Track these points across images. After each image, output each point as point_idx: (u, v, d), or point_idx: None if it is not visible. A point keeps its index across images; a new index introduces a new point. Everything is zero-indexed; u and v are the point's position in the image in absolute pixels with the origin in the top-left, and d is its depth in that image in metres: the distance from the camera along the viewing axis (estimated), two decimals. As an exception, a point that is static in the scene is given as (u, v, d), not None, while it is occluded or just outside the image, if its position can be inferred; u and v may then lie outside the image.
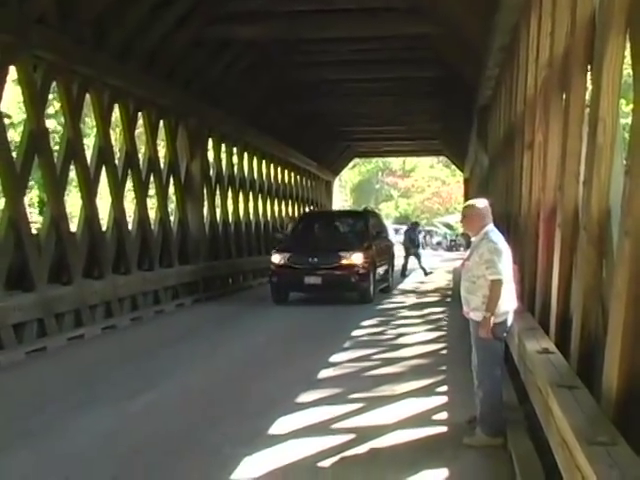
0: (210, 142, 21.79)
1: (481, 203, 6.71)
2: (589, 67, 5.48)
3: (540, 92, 7.62)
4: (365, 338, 12.60)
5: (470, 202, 6.96)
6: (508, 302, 6.45)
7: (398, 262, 23.31)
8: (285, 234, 21.35)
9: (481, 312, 6.35)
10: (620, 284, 3.89)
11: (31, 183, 23.62)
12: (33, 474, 6.01)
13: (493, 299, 6.28)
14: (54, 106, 25.21)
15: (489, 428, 6.39)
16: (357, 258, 16.91)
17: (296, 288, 17.28)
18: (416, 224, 29.72)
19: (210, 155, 22.03)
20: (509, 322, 6.52)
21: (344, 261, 16.79)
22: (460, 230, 52.09)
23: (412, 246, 26.62)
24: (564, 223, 5.82)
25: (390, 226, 53.51)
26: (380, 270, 18.40)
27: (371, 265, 17.18)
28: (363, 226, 19.14)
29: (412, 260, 26.17)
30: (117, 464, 6.15)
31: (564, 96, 6.35)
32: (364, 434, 6.77)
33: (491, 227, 6.54)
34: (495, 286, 6.27)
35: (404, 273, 25.87)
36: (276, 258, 17.33)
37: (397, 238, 28.69)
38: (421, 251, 27.08)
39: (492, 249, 6.33)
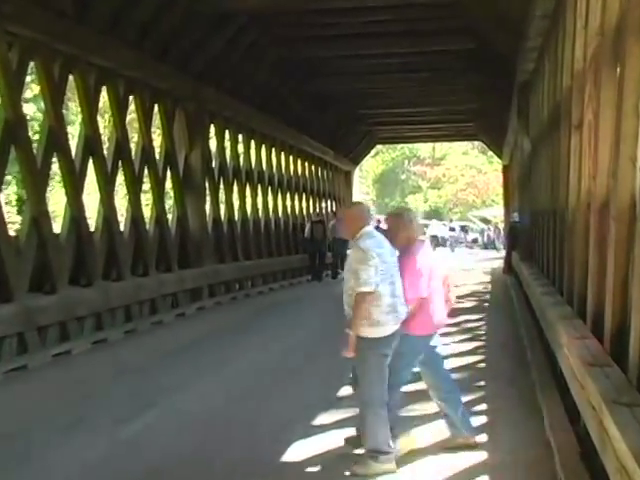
0: (212, 129, 21.81)
1: (357, 204, 7.00)
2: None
3: (590, 64, 7.56)
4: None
5: (348, 204, 7.21)
6: (389, 314, 6.39)
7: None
8: None
9: (360, 327, 6.35)
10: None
11: (8, 178, 23.69)
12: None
13: (356, 314, 6.28)
14: (32, 89, 25.28)
15: (378, 454, 6.38)
16: None
17: None
18: None
19: (212, 144, 22.05)
20: (395, 338, 6.46)
21: None
22: (500, 224, 52.11)
23: None
24: (619, 215, 5.76)
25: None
26: None
27: None
28: None
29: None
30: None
31: (618, 69, 6.29)
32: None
33: (366, 230, 6.54)
34: (357, 299, 6.27)
35: None
36: None
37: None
38: None
39: (359, 258, 6.36)
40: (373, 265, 6.27)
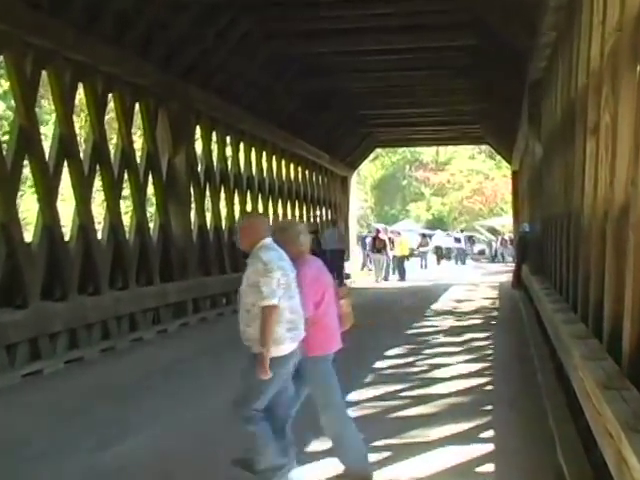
0: (198, 130, 21.80)
1: (257, 215, 6.90)
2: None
3: (607, 62, 7.54)
4: (391, 371, 12.53)
5: (247, 214, 7.21)
6: (289, 331, 6.44)
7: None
8: None
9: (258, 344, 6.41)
10: None
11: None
12: None
13: (265, 329, 6.33)
14: (2, 85, 25.30)
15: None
16: None
17: None
18: None
19: (198, 146, 22.04)
20: (293, 357, 6.52)
21: None
22: (507, 235, 52.17)
23: None
24: (638, 224, 5.73)
25: (420, 231, 53.78)
26: None
27: None
28: None
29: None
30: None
31: (638, 68, 6.27)
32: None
33: (266, 242, 6.65)
34: (265, 313, 6.33)
35: None
36: None
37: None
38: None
39: (260, 270, 6.42)
40: (275, 277, 6.35)
